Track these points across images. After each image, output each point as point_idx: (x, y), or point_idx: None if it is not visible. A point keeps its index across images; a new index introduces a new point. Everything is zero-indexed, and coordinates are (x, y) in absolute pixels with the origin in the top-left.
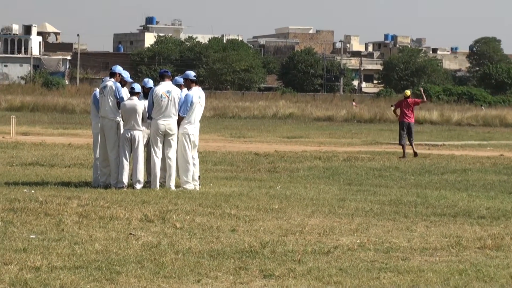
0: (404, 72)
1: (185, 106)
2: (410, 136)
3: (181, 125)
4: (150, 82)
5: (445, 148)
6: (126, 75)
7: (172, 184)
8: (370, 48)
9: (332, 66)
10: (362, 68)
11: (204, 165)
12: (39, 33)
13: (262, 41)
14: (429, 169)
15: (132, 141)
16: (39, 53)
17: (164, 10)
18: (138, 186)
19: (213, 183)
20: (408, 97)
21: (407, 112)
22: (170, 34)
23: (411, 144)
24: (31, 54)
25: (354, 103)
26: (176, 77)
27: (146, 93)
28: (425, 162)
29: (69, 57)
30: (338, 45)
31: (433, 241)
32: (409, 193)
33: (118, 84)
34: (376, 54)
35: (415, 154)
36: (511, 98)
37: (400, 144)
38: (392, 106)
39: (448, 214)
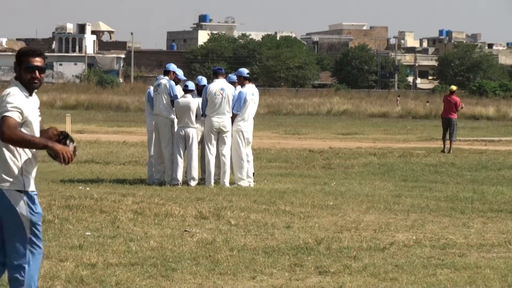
0: (460, 68)
1: (238, 103)
2: (451, 132)
3: (235, 122)
4: (203, 80)
5: (502, 143)
6: (180, 73)
7: (227, 181)
8: (425, 44)
9: (387, 63)
10: (416, 64)
11: (259, 162)
12: (93, 32)
13: (316, 38)
14: (486, 165)
15: (186, 139)
16: (93, 52)
17: (217, 8)
18: (193, 183)
19: (267, 180)
20: (453, 92)
21: (448, 109)
22: (224, 32)
23: (450, 140)
24: (86, 53)
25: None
26: (230, 75)
27: (200, 90)
28: (482, 158)
29: (123, 56)
30: (392, 41)
31: (490, 237)
32: (465, 189)
33: (172, 82)
34: (431, 50)
35: (449, 150)
36: None
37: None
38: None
39: (505, 210)
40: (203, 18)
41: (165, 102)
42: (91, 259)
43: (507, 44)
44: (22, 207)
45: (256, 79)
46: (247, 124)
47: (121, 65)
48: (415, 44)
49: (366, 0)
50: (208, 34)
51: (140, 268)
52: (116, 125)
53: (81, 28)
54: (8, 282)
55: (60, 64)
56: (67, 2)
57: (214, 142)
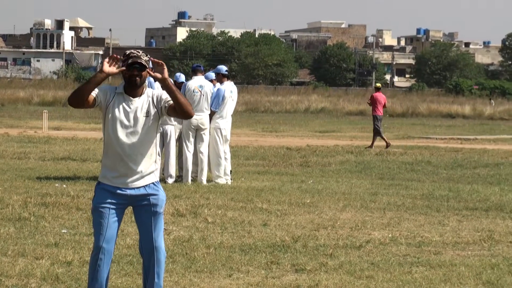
0: (437, 66)
1: (217, 101)
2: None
3: (213, 119)
4: (182, 77)
5: (477, 142)
6: None
7: (204, 179)
8: (403, 43)
9: (364, 61)
10: (394, 63)
11: (236, 160)
12: (71, 28)
13: (294, 36)
14: (461, 163)
15: (164, 136)
16: (72, 48)
17: (197, 5)
18: (170, 181)
19: (245, 177)
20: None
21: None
22: (202, 29)
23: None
24: (64, 49)
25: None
26: (208, 72)
27: (178, 87)
28: (457, 156)
29: (101, 52)
30: (371, 39)
31: (465, 235)
32: (441, 187)
33: (151, 79)
34: (409, 48)
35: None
36: None
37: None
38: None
39: (480, 208)
40: (182, 15)
41: None
42: (67, 257)
43: (484, 43)
44: None
45: (234, 76)
46: (225, 122)
47: (99, 61)
48: (393, 42)
49: None
50: (187, 31)
51: (116, 266)
52: (93, 122)
53: (59, 24)
54: None
55: (38, 60)
56: None
57: (192, 139)
